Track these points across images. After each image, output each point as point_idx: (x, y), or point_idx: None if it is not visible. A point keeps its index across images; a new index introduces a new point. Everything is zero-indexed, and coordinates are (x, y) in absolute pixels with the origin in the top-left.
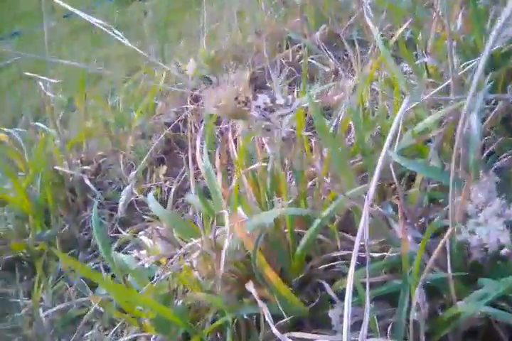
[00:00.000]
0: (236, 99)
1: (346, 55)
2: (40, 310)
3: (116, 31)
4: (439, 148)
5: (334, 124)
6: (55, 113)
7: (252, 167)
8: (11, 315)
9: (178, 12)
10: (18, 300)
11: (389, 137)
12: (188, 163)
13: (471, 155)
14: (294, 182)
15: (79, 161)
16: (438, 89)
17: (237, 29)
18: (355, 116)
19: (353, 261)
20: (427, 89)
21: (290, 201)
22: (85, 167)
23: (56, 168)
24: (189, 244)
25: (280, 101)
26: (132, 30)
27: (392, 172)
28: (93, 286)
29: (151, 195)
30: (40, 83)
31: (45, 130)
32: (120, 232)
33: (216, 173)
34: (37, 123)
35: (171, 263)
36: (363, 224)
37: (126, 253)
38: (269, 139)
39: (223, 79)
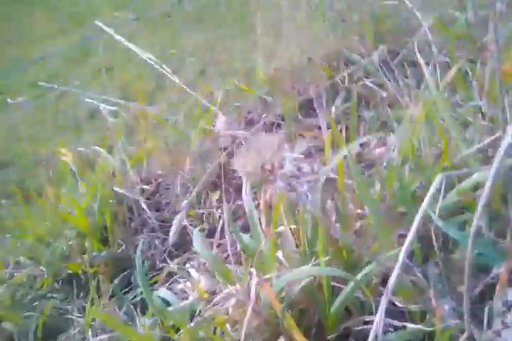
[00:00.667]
0: (262, 167)
1: (406, 77)
2: (90, 332)
3: None
4: (489, 208)
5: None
6: (117, 134)
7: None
8: (64, 331)
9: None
10: (73, 317)
11: (427, 199)
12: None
13: None
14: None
15: (138, 180)
16: (490, 139)
17: (295, 47)
18: (396, 172)
19: (374, 331)
20: (480, 135)
21: (327, 258)
22: (144, 186)
23: (115, 188)
24: (226, 290)
25: (306, 169)
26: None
27: (433, 235)
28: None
29: (196, 230)
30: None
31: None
32: (171, 259)
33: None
34: (96, 148)
35: (212, 305)
36: (388, 291)
37: (174, 281)
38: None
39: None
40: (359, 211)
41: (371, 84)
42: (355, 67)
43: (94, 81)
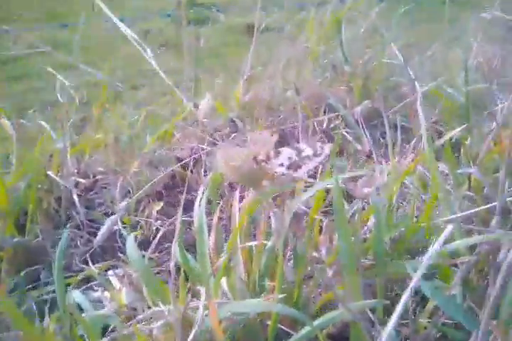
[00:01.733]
0: (255, 159)
1: (383, 138)
2: None
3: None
4: (466, 279)
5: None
6: (67, 114)
7: (248, 244)
8: None
9: (228, 46)
10: None
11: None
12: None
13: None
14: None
15: (75, 171)
16: (478, 209)
17: (279, 80)
18: (379, 216)
19: None
20: (465, 203)
21: (281, 296)
22: (80, 179)
23: (49, 173)
24: (155, 309)
25: (307, 151)
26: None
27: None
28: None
29: (131, 237)
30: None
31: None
32: (92, 263)
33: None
34: (42, 122)
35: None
36: None
37: (89, 288)
38: (276, 213)
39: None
40: (315, 254)
41: (348, 135)
42: (335, 114)
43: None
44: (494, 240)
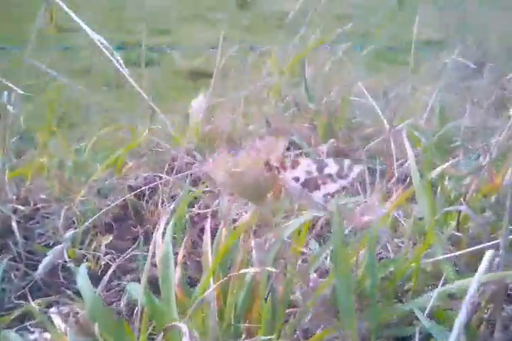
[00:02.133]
0: (267, 165)
1: None
2: None
3: None
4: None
5: None
6: (9, 134)
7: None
8: None
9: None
10: None
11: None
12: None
13: None
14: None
15: (14, 198)
16: (471, 249)
17: (239, 114)
18: (372, 253)
19: None
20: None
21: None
22: (19, 206)
23: None
24: None
25: (332, 168)
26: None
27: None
28: None
29: (83, 267)
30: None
31: None
32: (32, 299)
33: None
34: None
35: None
36: None
37: (24, 329)
38: (259, 244)
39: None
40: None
41: None
42: (299, 151)
43: None
44: (499, 280)
